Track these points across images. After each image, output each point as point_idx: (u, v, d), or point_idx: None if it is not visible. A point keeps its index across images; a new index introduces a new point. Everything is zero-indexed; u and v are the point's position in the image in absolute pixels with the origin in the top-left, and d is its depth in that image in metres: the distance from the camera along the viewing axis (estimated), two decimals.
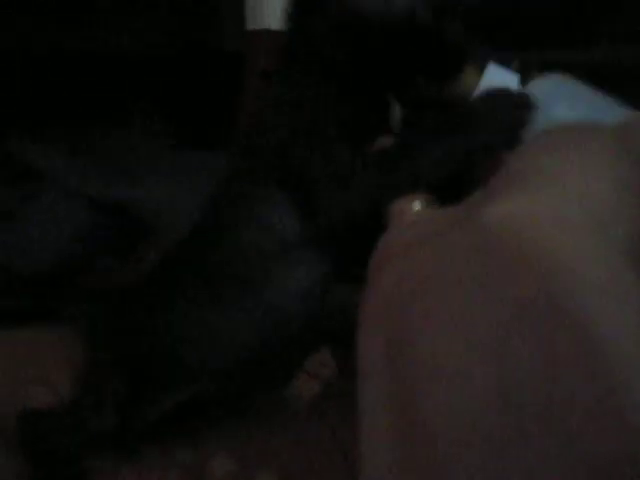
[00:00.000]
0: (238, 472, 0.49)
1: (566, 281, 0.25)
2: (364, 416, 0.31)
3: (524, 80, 0.41)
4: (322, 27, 0.46)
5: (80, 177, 0.67)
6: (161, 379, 0.49)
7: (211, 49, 0.79)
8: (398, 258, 0.35)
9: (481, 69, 0.41)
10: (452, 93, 0.43)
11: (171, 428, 0.51)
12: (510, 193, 0.29)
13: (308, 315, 0.48)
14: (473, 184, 0.37)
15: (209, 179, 0.59)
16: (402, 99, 0.48)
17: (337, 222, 0.44)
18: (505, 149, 0.40)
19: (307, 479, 0.47)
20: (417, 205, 0.42)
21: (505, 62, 0.45)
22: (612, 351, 0.23)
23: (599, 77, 0.38)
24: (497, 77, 0.39)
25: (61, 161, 0.69)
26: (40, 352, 0.58)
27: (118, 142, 0.78)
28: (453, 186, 0.44)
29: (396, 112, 0.49)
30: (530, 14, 0.73)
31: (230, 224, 0.48)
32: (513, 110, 0.40)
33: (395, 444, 0.29)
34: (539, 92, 0.38)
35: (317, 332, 0.56)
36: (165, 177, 0.70)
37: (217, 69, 0.74)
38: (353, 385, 0.33)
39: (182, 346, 0.48)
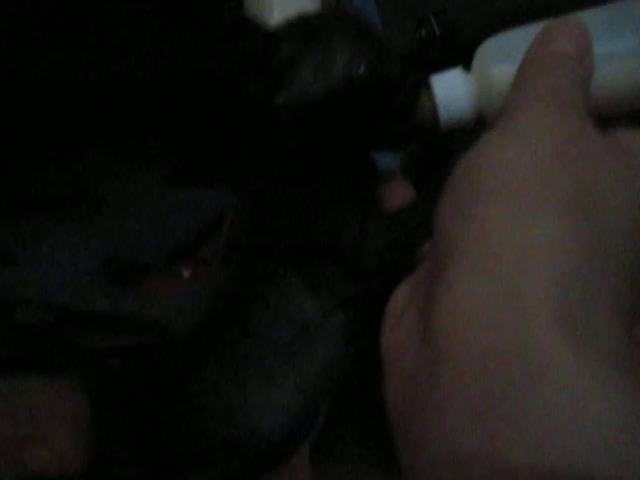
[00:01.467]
0: None
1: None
2: None
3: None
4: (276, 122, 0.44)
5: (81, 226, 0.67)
6: (182, 458, 0.47)
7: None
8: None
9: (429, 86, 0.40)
10: (418, 123, 0.42)
11: None
12: (449, 275, 0.25)
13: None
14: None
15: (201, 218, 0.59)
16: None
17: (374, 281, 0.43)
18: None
19: None
20: None
21: None
22: None
23: None
24: (445, 83, 0.37)
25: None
26: (39, 407, 0.57)
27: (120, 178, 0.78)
28: None
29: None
30: None
31: (248, 317, 0.46)
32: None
33: None
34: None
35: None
36: (157, 216, 0.70)
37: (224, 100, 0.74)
38: None
39: (207, 423, 0.46)
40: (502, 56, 0.35)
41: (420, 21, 0.88)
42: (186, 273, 0.69)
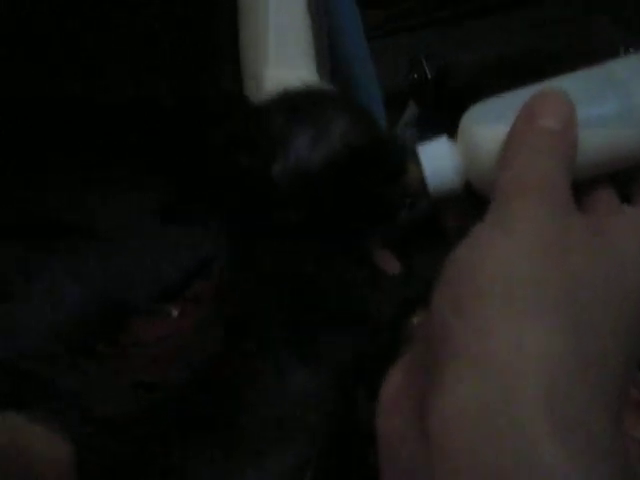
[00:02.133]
0: None
1: None
2: None
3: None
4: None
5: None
6: None
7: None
8: None
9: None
10: (407, 193, 0.43)
11: None
12: (446, 378, 0.26)
13: None
14: None
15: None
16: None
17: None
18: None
19: None
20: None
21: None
22: None
23: None
24: (431, 153, 0.38)
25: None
26: (23, 448, 0.57)
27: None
28: None
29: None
30: None
31: (242, 393, 0.46)
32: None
33: None
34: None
35: None
36: (149, 254, 0.70)
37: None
38: None
39: None
40: (486, 123, 0.35)
41: (412, 64, 0.90)
42: (175, 312, 0.70)
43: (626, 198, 0.36)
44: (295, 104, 0.45)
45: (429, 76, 0.87)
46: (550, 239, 0.28)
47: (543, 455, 0.23)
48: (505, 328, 0.26)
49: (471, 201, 0.38)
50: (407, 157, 0.41)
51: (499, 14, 0.79)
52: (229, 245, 0.50)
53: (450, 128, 0.39)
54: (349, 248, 0.45)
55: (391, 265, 0.45)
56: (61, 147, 0.79)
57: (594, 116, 0.33)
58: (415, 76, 0.88)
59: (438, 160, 0.37)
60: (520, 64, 0.82)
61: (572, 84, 0.34)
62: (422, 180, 0.39)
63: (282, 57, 0.62)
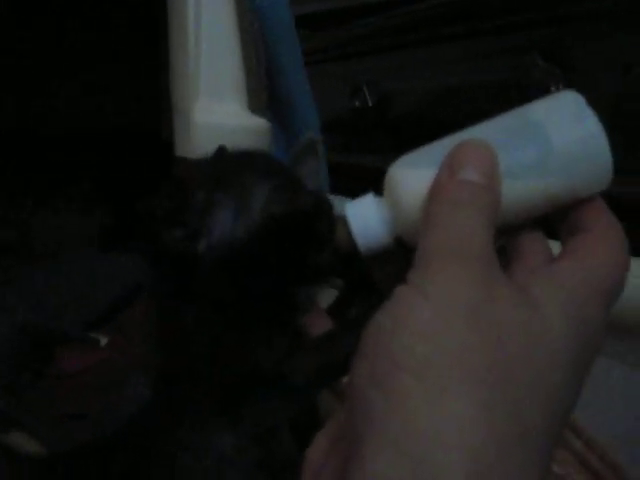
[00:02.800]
0: None
1: None
2: None
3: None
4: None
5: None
6: None
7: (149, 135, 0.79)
8: None
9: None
10: (338, 252, 0.43)
11: None
12: (365, 451, 0.25)
13: None
14: None
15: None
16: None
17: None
18: None
19: None
20: None
21: None
22: None
23: None
24: (358, 211, 0.38)
25: None
26: None
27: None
28: None
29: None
30: None
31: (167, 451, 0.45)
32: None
33: None
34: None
35: None
36: (81, 281, 0.70)
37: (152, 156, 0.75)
38: None
39: None
40: (410, 173, 0.34)
41: (353, 91, 0.90)
42: (103, 341, 0.69)
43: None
44: (217, 176, 0.44)
45: (370, 103, 0.88)
46: (471, 306, 0.27)
47: None
48: (424, 407, 0.25)
49: (403, 254, 0.37)
50: (333, 221, 0.41)
51: (438, 45, 0.80)
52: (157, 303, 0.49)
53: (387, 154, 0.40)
54: (276, 311, 0.45)
55: (321, 324, 0.45)
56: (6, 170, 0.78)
57: (515, 165, 0.32)
58: (357, 103, 0.88)
59: (365, 217, 0.37)
60: (459, 94, 0.83)
61: (493, 132, 0.33)
62: (352, 239, 0.38)
63: (212, 90, 0.62)
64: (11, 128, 0.81)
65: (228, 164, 0.46)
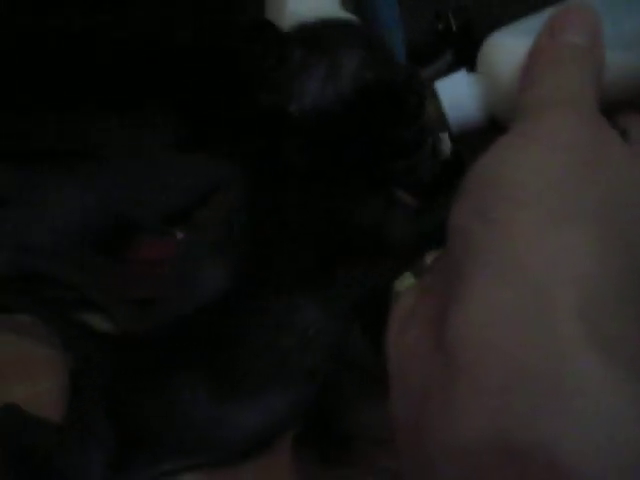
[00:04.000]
0: None
1: None
2: None
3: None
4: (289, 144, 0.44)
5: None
6: (156, 450, 0.47)
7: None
8: None
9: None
10: (427, 130, 0.42)
11: None
12: (469, 286, 0.24)
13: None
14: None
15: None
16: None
17: None
18: None
19: None
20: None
21: None
22: None
23: None
24: (450, 88, 0.36)
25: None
26: (23, 349, 0.58)
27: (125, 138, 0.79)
28: None
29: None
30: None
31: (247, 327, 0.46)
32: None
33: None
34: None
35: None
36: (157, 176, 0.71)
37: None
38: None
39: (184, 429, 0.46)
40: (505, 45, 0.33)
41: (438, 16, 0.89)
42: (180, 235, 0.70)
43: None
44: (312, 38, 0.45)
45: (454, 28, 0.86)
46: (582, 151, 0.26)
47: (577, 359, 0.21)
48: (536, 237, 0.24)
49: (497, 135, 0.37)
50: (425, 94, 0.41)
51: None
52: (244, 184, 0.50)
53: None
54: (369, 180, 0.45)
55: (409, 201, 0.45)
56: (85, 83, 0.79)
57: (618, 35, 0.31)
58: (440, 27, 0.86)
59: (457, 92, 0.36)
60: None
61: (595, 1, 0.31)
62: (442, 116, 0.37)
63: None
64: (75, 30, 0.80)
65: (324, 30, 0.46)
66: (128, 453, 0.46)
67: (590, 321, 0.22)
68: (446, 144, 0.46)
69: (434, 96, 0.37)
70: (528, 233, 0.24)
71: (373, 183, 0.45)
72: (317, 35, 0.45)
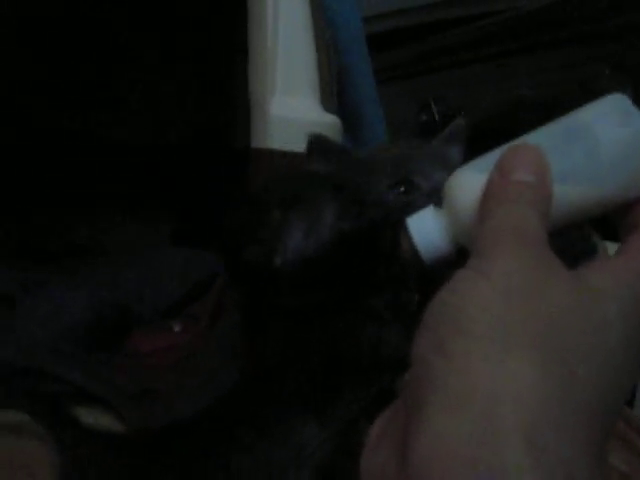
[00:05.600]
0: None
1: None
2: None
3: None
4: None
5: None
6: None
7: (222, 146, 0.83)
8: None
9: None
10: (403, 265, 0.45)
11: None
12: (427, 413, 0.27)
13: None
14: None
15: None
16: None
17: None
18: None
19: None
20: None
21: None
22: None
23: None
24: (419, 223, 0.39)
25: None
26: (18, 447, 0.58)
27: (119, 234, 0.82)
28: None
29: None
30: None
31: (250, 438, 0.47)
32: None
33: None
34: None
35: None
36: (155, 270, 0.73)
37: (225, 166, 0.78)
38: None
39: None
40: (466, 188, 0.36)
41: (421, 106, 0.93)
42: (177, 327, 0.72)
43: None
44: (290, 196, 0.48)
45: (437, 118, 0.90)
46: (529, 282, 0.28)
47: None
48: (486, 367, 0.26)
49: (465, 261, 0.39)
50: (398, 234, 0.44)
51: (503, 59, 0.82)
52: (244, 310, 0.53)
53: None
54: (354, 322, 0.48)
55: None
56: (84, 183, 0.83)
57: (565, 168, 0.34)
58: (424, 118, 0.91)
59: (426, 227, 0.38)
60: (525, 107, 0.84)
61: (544, 137, 0.35)
62: (414, 250, 0.39)
63: (288, 85, 0.66)
64: (77, 131, 0.85)
65: (300, 182, 0.51)
66: None
67: (535, 447, 0.24)
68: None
69: (406, 232, 0.40)
70: (478, 365, 0.26)
71: (364, 308, 0.47)
72: (294, 188, 0.50)
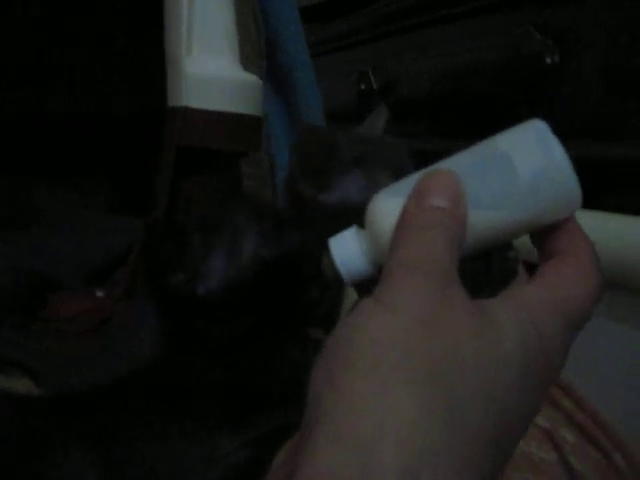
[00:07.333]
0: None
1: None
2: None
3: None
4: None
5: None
6: None
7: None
8: None
9: None
10: (325, 285, 0.46)
11: None
12: (313, 445, 0.27)
13: None
14: None
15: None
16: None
17: None
18: None
19: None
20: None
21: None
22: None
23: None
24: (340, 244, 0.39)
25: None
26: None
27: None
28: None
29: None
30: None
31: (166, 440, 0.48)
32: None
33: None
34: None
35: None
36: (78, 238, 0.73)
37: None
38: None
39: None
40: (384, 212, 0.36)
41: (360, 75, 0.93)
42: (99, 293, 0.71)
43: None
44: (211, 221, 0.49)
45: (375, 87, 0.90)
46: (424, 316, 0.28)
47: None
48: (370, 400, 0.27)
49: None
50: (318, 260, 0.44)
51: (437, 26, 0.82)
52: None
53: None
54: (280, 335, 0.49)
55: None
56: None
57: (481, 195, 0.34)
58: (362, 87, 0.90)
59: (347, 250, 0.39)
60: (458, 74, 0.85)
61: (462, 163, 0.35)
62: (335, 271, 0.39)
63: (205, 45, 0.65)
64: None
65: (221, 208, 0.51)
66: None
67: (413, 476, 0.25)
68: None
69: (327, 253, 0.40)
70: (362, 400, 0.27)
71: (287, 330, 0.48)
72: (216, 216, 0.50)
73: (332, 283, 0.42)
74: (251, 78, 0.66)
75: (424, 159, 0.37)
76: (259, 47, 0.75)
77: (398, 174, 0.45)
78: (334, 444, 0.26)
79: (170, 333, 0.50)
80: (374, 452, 0.25)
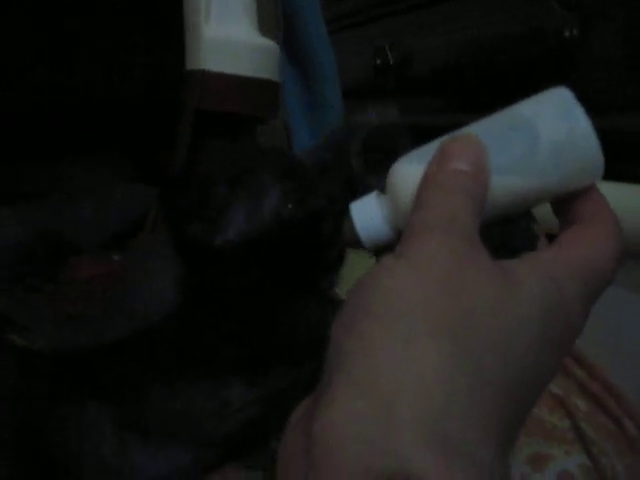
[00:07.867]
0: None
1: None
2: None
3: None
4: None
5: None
6: None
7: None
8: None
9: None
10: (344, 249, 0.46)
11: None
12: (332, 392, 0.27)
13: None
14: None
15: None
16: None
17: None
18: None
19: None
20: None
21: None
22: None
23: None
24: (362, 209, 0.39)
25: None
26: None
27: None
28: None
29: None
30: None
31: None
32: None
33: None
34: None
35: None
36: (98, 204, 0.73)
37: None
38: None
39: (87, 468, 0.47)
40: (406, 177, 0.36)
41: (376, 51, 0.93)
42: (116, 257, 0.72)
43: None
44: (237, 175, 0.49)
45: (391, 62, 0.90)
46: (446, 271, 0.28)
47: (413, 459, 0.24)
48: (390, 348, 0.27)
49: None
50: (340, 222, 0.44)
51: (455, 1, 0.82)
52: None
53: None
54: (298, 290, 0.49)
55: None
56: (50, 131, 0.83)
57: (504, 160, 0.34)
58: (378, 62, 0.91)
59: (368, 214, 0.39)
60: (478, 48, 0.84)
61: (484, 129, 0.35)
62: (356, 235, 0.39)
63: (223, 11, 0.65)
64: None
65: (247, 162, 0.52)
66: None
67: (434, 436, 0.25)
68: None
69: (349, 217, 0.41)
70: (385, 348, 0.27)
71: (304, 289, 0.48)
72: (241, 169, 0.50)
73: (353, 246, 0.42)
74: (269, 43, 0.66)
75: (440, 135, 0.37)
76: (276, 17, 0.75)
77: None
78: (353, 393, 0.26)
79: (186, 284, 0.50)
80: (393, 401, 0.25)
